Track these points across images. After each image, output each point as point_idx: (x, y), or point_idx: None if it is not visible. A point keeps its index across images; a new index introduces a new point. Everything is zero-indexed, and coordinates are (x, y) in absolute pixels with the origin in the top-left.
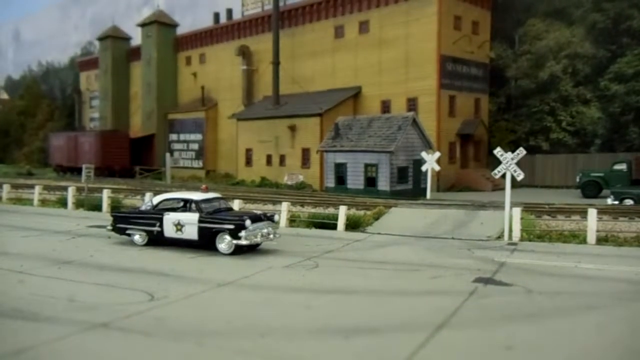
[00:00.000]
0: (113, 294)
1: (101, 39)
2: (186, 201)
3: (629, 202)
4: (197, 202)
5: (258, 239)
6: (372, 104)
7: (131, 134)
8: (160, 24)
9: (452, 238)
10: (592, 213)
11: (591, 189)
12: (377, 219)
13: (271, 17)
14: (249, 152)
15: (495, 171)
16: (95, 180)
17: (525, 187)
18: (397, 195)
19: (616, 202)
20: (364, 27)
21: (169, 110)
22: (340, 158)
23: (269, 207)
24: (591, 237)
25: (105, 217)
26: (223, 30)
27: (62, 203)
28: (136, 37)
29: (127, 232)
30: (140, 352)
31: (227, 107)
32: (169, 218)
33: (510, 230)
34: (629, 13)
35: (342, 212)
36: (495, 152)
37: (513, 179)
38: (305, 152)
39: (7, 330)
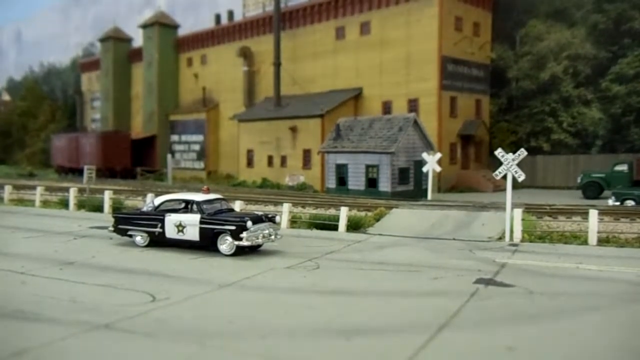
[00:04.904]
0: (115, 295)
1: (102, 40)
2: (187, 202)
3: (630, 203)
4: (198, 203)
5: (259, 240)
6: (373, 105)
7: (132, 135)
8: (161, 25)
9: (453, 239)
10: (593, 214)
11: (592, 190)
12: (378, 220)
13: (272, 19)
14: (250, 153)
15: (497, 172)
16: (97, 181)
17: (526, 188)
18: (398, 196)
19: (617, 203)
20: (365, 28)
21: (170, 111)
22: (341, 159)
23: (270, 208)
24: (592, 238)
25: (106, 218)
26: (224, 32)
27: (64, 204)
28: (137, 39)
29: (129, 233)
30: (142, 353)
31: (228, 108)
32: (171, 219)
33: (512, 231)
34: (630, 14)
35: (343, 213)
36: (496, 153)
37: (514, 179)
38: (307, 153)
39: (9, 331)
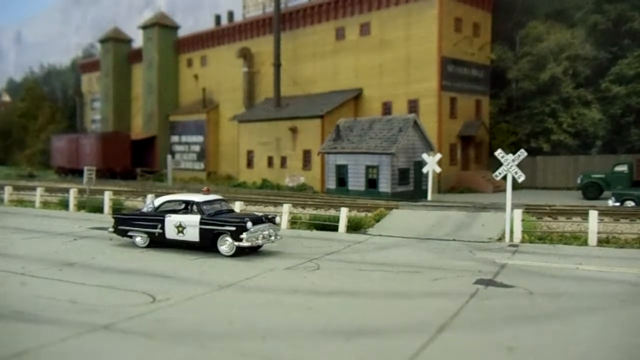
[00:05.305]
0: (115, 295)
1: (102, 41)
2: (187, 203)
3: (630, 203)
4: (198, 204)
5: (259, 241)
6: (373, 106)
7: (132, 135)
8: (161, 26)
9: (453, 240)
10: (593, 214)
11: (592, 191)
12: (378, 220)
13: (272, 19)
14: (250, 153)
15: (496, 173)
16: (97, 182)
17: (526, 188)
18: (398, 196)
19: (617, 204)
20: (364, 29)
21: (170, 112)
22: (341, 160)
23: (270, 209)
24: (592, 238)
25: (107, 219)
26: (224, 33)
27: (64, 205)
28: (137, 39)
29: (129, 234)
30: (141, 354)
31: (228, 109)
32: (171, 220)
33: (512, 232)
34: (629, 15)
35: (343, 213)
36: (496, 153)
37: (514, 180)
38: (307, 154)
39: (9, 332)
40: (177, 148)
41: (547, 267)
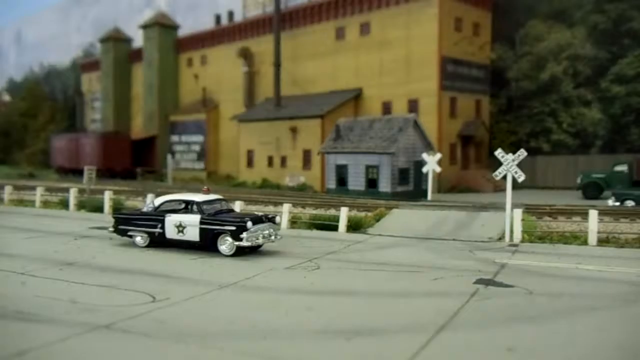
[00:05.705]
0: (115, 295)
1: (103, 40)
2: (188, 203)
3: (630, 203)
4: (198, 204)
5: (259, 241)
6: (373, 106)
7: (133, 135)
8: (161, 25)
9: (453, 239)
10: (593, 214)
11: (592, 190)
12: (378, 220)
13: (272, 19)
14: (250, 153)
15: (496, 172)
16: (97, 182)
17: (526, 188)
18: (398, 196)
19: (617, 204)
20: (364, 28)
21: (170, 111)
22: (341, 159)
23: (270, 209)
24: (592, 238)
25: (107, 218)
26: (224, 32)
27: (64, 204)
28: (138, 39)
29: (129, 233)
30: (142, 353)
31: (228, 109)
32: (171, 219)
33: (511, 232)
34: (629, 14)
35: (344, 213)
36: (496, 153)
37: (514, 180)
38: (307, 154)
39: (9, 332)
40: (177, 148)
41: (547, 266)
